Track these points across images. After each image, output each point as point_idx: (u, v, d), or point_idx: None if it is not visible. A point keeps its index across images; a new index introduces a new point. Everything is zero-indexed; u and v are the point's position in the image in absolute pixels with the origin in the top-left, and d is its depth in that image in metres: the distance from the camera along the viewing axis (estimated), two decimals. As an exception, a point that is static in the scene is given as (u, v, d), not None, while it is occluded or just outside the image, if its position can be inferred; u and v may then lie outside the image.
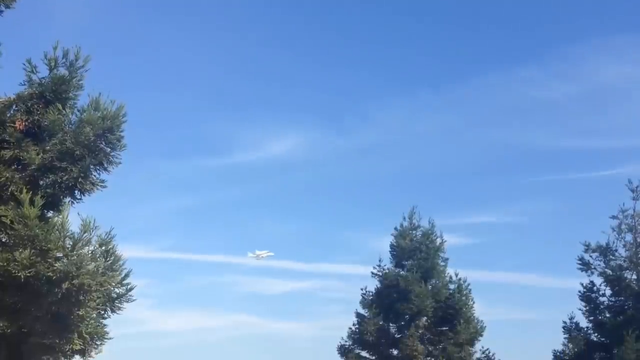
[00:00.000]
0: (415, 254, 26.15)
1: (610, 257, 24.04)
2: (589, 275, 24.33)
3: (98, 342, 9.79)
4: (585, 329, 24.17)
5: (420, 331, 25.06)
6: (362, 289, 26.47)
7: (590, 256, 24.30)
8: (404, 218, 26.98)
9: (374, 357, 25.73)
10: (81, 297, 8.42)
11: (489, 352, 25.40)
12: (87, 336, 9.17)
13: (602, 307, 24.08)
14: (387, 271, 26.36)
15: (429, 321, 25.49)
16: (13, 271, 8.12)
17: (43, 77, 10.43)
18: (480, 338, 25.40)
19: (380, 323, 25.54)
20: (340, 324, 26.30)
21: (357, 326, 25.77)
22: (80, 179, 9.92)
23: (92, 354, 9.86)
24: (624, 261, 23.92)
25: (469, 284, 25.99)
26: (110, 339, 9.88)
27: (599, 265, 24.18)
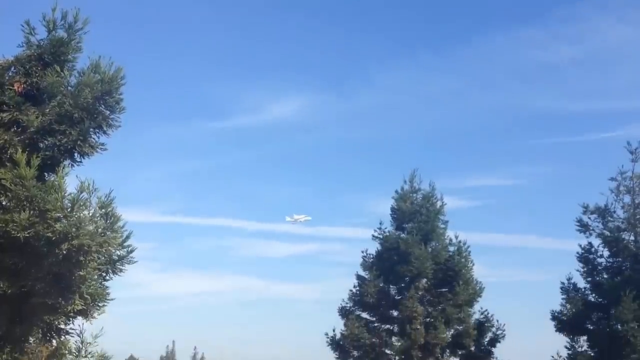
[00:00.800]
0: (416, 216, 26.16)
1: (609, 218, 24.02)
2: (587, 237, 24.38)
3: (100, 304, 9.73)
4: (583, 290, 24.23)
5: (419, 293, 25.17)
6: (362, 252, 26.62)
7: (589, 218, 24.30)
8: (405, 181, 27.03)
9: (374, 318, 25.91)
10: (81, 258, 8.34)
11: (488, 313, 25.62)
12: (88, 297, 9.11)
13: (599, 268, 24.12)
14: (387, 234, 26.41)
15: (428, 283, 25.60)
16: (12, 232, 8.04)
17: (41, 39, 10.21)
18: (478, 299, 25.59)
19: (381, 285, 25.65)
20: (342, 286, 26.45)
21: (357, 288, 25.90)
22: (79, 142, 9.78)
23: (95, 314, 9.82)
24: (622, 223, 23.89)
25: (468, 246, 26.12)
26: (112, 300, 9.82)
27: (597, 226, 24.19)
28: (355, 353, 25.15)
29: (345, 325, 25.23)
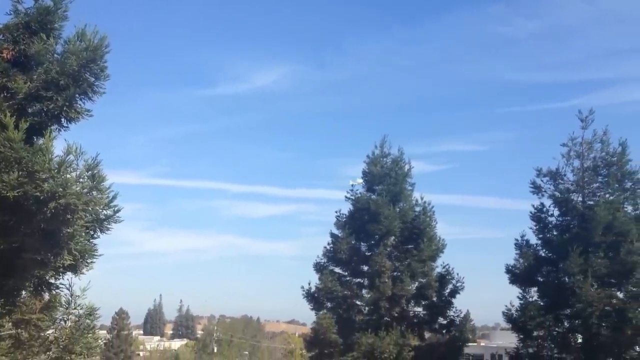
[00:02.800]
0: (385, 179, 26.20)
1: (559, 181, 24.17)
2: (539, 198, 24.52)
3: (88, 260, 9.58)
4: (535, 246, 24.44)
5: (388, 249, 25.33)
6: (336, 212, 26.66)
7: (542, 180, 24.41)
8: (376, 146, 27.01)
9: (346, 273, 26.08)
10: (68, 216, 8.14)
11: (449, 267, 25.86)
12: (76, 253, 8.93)
13: (550, 226, 24.33)
14: (359, 195, 26.44)
15: (396, 240, 25.75)
16: (2, 192, 7.84)
17: (29, 8, 9.89)
18: (441, 254, 25.81)
19: (353, 242, 25.76)
20: (318, 244, 26.60)
21: (331, 245, 26.00)
22: (65, 108, 9.51)
23: (83, 270, 9.67)
24: (572, 185, 24.06)
25: (432, 207, 26.25)
26: (99, 256, 9.65)
27: (549, 188, 24.33)
28: (328, 304, 25.34)
29: (319, 279, 25.37)
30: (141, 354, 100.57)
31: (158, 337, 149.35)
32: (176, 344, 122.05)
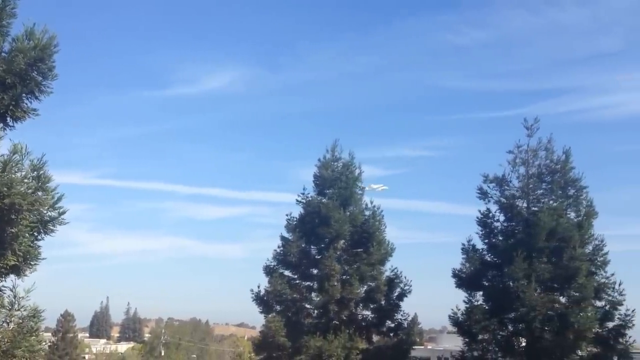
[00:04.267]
0: (336, 183, 26.40)
1: (505, 187, 24.79)
2: (486, 203, 25.10)
3: (32, 262, 9.48)
4: (481, 250, 25.01)
5: (338, 253, 25.53)
6: (287, 215, 26.70)
7: (488, 186, 24.99)
8: (327, 150, 27.19)
9: (296, 276, 26.17)
10: (13, 216, 8.09)
11: (397, 270, 26.19)
12: (20, 254, 8.86)
13: (495, 231, 24.94)
14: (310, 199, 26.58)
15: (346, 244, 25.98)
16: (-56, 191, 7.72)
17: (-26, 4, 9.72)
18: (390, 258, 26.13)
19: (303, 246, 25.87)
20: (269, 246, 26.65)
21: (281, 248, 26.06)
22: (11, 107, 9.43)
23: (27, 272, 9.56)
24: (517, 191, 24.72)
25: (382, 211, 26.59)
26: (43, 259, 9.58)
27: (495, 194, 24.92)
28: (278, 307, 25.39)
29: (269, 282, 25.40)
30: (87, 356, 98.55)
31: (104, 340, 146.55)
32: (123, 347, 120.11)
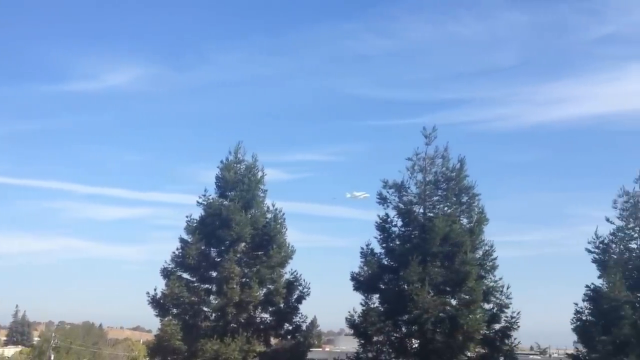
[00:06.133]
0: (238, 185, 26.34)
1: (403, 193, 25.53)
2: (385, 209, 25.79)
3: None
4: (379, 254, 25.61)
5: (238, 255, 25.48)
6: (187, 217, 26.35)
7: (387, 192, 25.68)
8: (230, 152, 27.11)
9: (194, 279, 25.88)
10: None
11: (297, 273, 26.39)
12: None
13: (393, 235, 25.60)
14: (211, 201, 26.34)
15: (246, 246, 25.98)
16: None
17: None
18: (290, 261, 26.36)
19: (202, 248, 25.67)
20: (168, 249, 26.07)
21: (180, 250, 25.71)
22: None
23: None
24: (414, 197, 25.51)
25: (283, 214, 26.75)
26: None
27: (393, 200, 25.62)
28: (174, 310, 25.03)
29: (166, 285, 25.00)
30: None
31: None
32: (10, 350, 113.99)
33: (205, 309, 25.37)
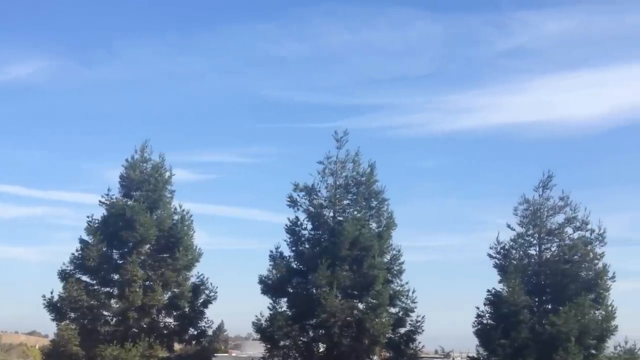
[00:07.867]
0: (144, 185, 25.56)
1: (314, 196, 25.54)
2: (295, 212, 25.68)
3: None
4: (288, 258, 25.47)
5: (142, 258, 24.71)
6: (88, 217, 25.29)
7: (298, 195, 25.60)
8: (136, 151, 26.23)
9: (94, 282, 24.88)
10: None
11: (203, 277, 25.85)
12: None
13: (303, 239, 25.56)
14: (114, 200, 25.39)
15: (151, 249, 25.25)
16: None
17: None
18: (196, 264, 25.73)
19: (104, 249, 24.69)
20: (68, 250, 24.89)
21: (80, 252, 24.63)
22: None
23: None
24: (325, 200, 25.59)
25: (191, 215, 26.10)
26: None
27: (304, 203, 25.58)
28: (72, 315, 23.96)
29: (64, 288, 23.88)
30: None
31: None
32: None
33: (105, 313, 24.39)
